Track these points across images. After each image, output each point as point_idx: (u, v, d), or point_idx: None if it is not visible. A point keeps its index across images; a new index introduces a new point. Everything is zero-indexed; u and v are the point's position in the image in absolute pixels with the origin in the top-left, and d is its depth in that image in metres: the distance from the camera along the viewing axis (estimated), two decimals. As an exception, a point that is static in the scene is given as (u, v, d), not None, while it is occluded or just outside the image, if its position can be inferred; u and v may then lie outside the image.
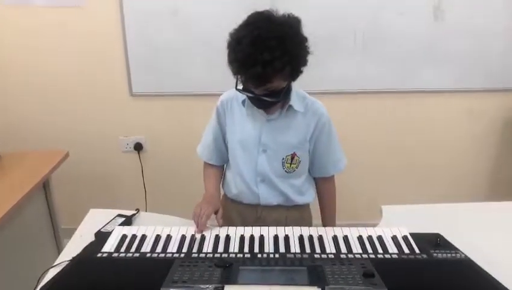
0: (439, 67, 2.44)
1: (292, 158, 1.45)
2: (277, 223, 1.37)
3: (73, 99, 2.51)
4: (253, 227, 1.30)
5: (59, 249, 2.14)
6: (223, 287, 0.94)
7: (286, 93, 1.34)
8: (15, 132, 2.53)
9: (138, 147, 2.60)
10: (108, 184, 2.69)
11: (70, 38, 2.38)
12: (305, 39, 1.26)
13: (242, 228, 1.30)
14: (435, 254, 1.15)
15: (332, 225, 1.60)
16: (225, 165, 1.62)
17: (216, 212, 1.39)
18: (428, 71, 2.45)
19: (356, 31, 2.36)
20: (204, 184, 1.57)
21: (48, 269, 1.18)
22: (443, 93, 2.50)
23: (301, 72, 1.28)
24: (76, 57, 2.42)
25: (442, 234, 1.26)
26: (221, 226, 1.35)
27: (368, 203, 1.73)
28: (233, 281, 0.97)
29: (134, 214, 1.48)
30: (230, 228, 1.30)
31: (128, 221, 1.43)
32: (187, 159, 2.46)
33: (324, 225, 1.61)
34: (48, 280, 1.07)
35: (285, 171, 1.46)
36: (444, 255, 1.14)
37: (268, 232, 1.27)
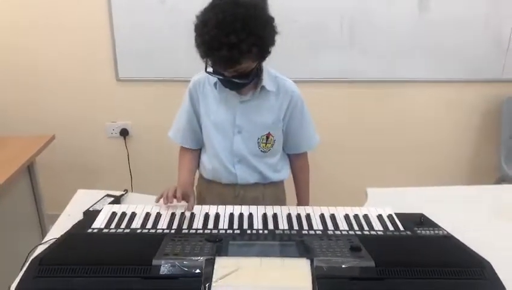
0: (422, 57, 2.48)
1: (267, 138, 1.47)
2: (255, 201, 1.39)
3: (59, 83, 2.49)
4: (242, 206, 1.32)
5: (43, 234, 2.13)
6: (214, 259, 0.95)
7: (257, 73, 1.35)
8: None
9: (124, 132, 2.59)
10: (93, 170, 2.68)
11: (56, 23, 2.36)
12: (271, 19, 1.27)
13: (231, 206, 1.32)
14: (418, 231, 1.19)
15: (306, 200, 1.65)
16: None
17: (187, 200, 1.36)
18: (411, 61, 2.49)
19: (342, 21, 2.38)
20: (178, 172, 1.56)
21: (36, 246, 1.18)
22: (425, 83, 2.55)
23: (269, 52, 1.29)
24: (62, 42, 2.40)
25: (425, 214, 1.30)
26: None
27: (352, 188, 1.76)
28: (224, 254, 0.98)
29: (122, 195, 1.48)
30: (219, 206, 1.32)
31: (116, 201, 1.43)
32: (173, 145, 2.44)
33: (299, 201, 1.66)
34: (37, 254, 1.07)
35: (261, 150, 1.49)
36: (427, 231, 1.18)
37: (257, 210, 1.30)
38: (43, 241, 1.19)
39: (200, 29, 1.21)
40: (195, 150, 1.59)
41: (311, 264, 0.94)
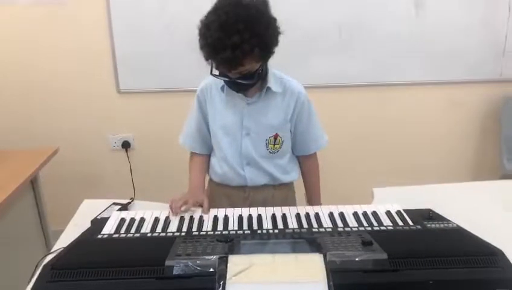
0: (420, 60, 2.50)
1: (275, 139, 1.48)
2: (264, 203, 1.39)
3: (61, 96, 2.50)
4: (250, 208, 1.32)
5: (48, 249, 2.11)
6: (227, 257, 0.95)
7: (262, 74, 1.36)
8: (1, 130, 2.50)
9: (126, 145, 2.60)
10: (96, 183, 2.67)
11: (57, 37, 2.38)
12: (273, 20, 1.28)
13: (240, 208, 1.31)
14: (428, 225, 1.18)
15: (317, 201, 1.64)
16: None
17: (201, 205, 1.37)
18: (410, 64, 2.51)
19: (340, 26, 2.41)
20: (189, 176, 1.57)
21: (45, 256, 1.17)
22: (425, 85, 2.57)
23: (272, 52, 1.30)
24: (62, 55, 2.41)
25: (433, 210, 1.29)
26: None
27: (358, 190, 1.76)
28: (236, 252, 0.98)
29: (129, 203, 1.48)
30: (228, 209, 1.32)
31: (124, 208, 1.43)
32: (175, 157, 2.43)
33: (309, 202, 1.65)
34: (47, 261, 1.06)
35: (269, 152, 1.49)
36: (437, 225, 1.18)
37: (266, 211, 1.29)
38: (51, 251, 1.18)
39: (204, 31, 1.23)
40: (205, 155, 1.60)
41: (324, 259, 0.94)
